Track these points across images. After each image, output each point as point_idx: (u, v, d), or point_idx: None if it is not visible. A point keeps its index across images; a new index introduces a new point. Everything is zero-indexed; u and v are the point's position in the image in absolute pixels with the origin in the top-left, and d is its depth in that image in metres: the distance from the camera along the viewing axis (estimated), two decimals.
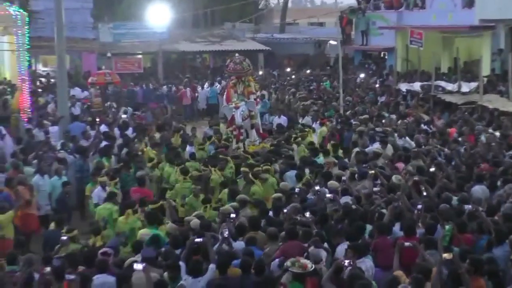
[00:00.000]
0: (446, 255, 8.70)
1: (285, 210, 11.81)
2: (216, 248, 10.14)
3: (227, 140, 17.90)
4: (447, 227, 10.68)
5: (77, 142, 17.77)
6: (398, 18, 32.90)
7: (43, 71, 34.24)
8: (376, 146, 17.31)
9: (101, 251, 9.81)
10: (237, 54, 19.21)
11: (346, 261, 8.96)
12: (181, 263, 9.48)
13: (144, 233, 11.32)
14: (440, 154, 16.01)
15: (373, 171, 14.08)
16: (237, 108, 17.22)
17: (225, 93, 19.12)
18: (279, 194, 13.16)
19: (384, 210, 11.84)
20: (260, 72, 36.74)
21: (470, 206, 11.43)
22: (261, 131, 18.59)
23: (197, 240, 9.93)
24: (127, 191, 14.62)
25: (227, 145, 17.38)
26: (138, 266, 8.36)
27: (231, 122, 17.63)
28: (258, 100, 18.90)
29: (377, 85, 28.83)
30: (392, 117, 21.60)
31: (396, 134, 18.40)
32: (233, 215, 11.43)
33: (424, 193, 12.74)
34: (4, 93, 24.17)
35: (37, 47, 27.77)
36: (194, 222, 11.22)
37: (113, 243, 11.15)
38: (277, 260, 9.74)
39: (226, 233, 10.28)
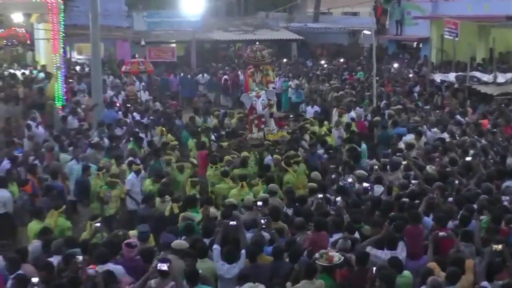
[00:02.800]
0: (496, 247, 8.62)
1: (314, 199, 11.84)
2: (253, 236, 10.19)
3: (243, 129, 18.15)
4: (482, 218, 10.56)
5: (112, 130, 17.91)
6: (433, 8, 32.53)
7: (78, 59, 34.55)
8: (410, 137, 17.20)
9: (126, 241, 9.83)
10: (257, 43, 19.08)
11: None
12: (215, 246, 9.54)
13: (187, 216, 11.55)
14: (475, 145, 15.80)
15: (405, 162, 14.01)
16: (258, 97, 17.00)
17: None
18: (313, 185, 13.14)
19: None
20: (293, 60, 36.71)
21: (508, 198, 11.30)
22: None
23: (232, 223, 9.98)
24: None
25: (243, 133, 17.63)
26: (163, 267, 8.41)
27: (251, 111, 17.43)
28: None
29: (410, 75, 28.55)
30: (427, 108, 21.42)
31: (425, 126, 18.22)
32: (260, 203, 11.45)
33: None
34: (38, 80, 24.49)
35: (72, 35, 28.03)
36: (212, 212, 11.37)
37: (145, 229, 11.21)
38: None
39: (263, 221, 10.29)
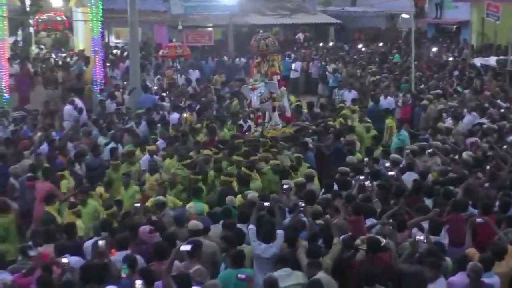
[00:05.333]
0: None
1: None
2: (290, 219, 10.21)
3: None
4: None
5: (151, 115, 17.99)
6: None
7: (116, 43, 34.82)
8: (448, 122, 17.00)
9: (143, 228, 9.91)
10: (261, 31, 18.39)
11: (422, 237, 8.83)
12: (251, 226, 9.57)
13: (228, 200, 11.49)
14: None
15: (431, 149, 13.81)
16: (253, 89, 15.94)
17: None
18: (345, 169, 13.06)
19: None
20: (330, 43, 36.47)
21: None
22: (288, 114, 17.27)
23: (266, 204, 10.09)
24: None
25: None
26: (185, 248, 8.43)
27: (251, 104, 16.44)
28: (282, 82, 17.36)
29: (450, 59, 28.14)
30: (466, 92, 21.13)
31: (465, 110, 17.97)
32: (286, 186, 11.42)
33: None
34: (72, 65, 24.77)
35: (110, 19, 28.22)
36: (252, 195, 11.30)
37: (180, 212, 11.29)
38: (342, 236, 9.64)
39: (301, 205, 10.28)
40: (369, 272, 8.01)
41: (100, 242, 8.82)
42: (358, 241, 8.94)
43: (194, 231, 9.61)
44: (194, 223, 9.82)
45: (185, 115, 18.13)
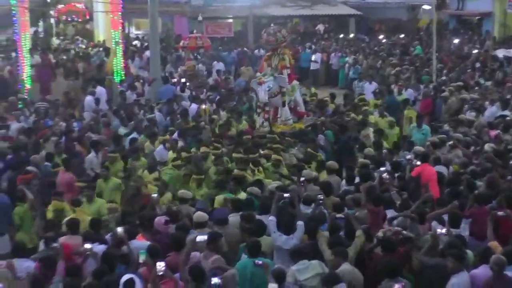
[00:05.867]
0: None
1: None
2: (312, 211, 10.20)
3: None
4: None
5: (171, 106, 18.00)
6: None
7: (136, 34, 34.89)
8: (469, 114, 16.86)
9: (158, 219, 9.94)
10: (272, 24, 18.24)
11: (443, 230, 8.78)
12: (271, 217, 9.54)
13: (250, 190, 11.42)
14: None
15: (451, 142, 13.69)
16: (260, 83, 15.78)
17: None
18: (365, 161, 12.99)
19: None
20: (351, 35, 36.29)
21: None
22: (301, 109, 16.99)
23: (286, 195, 10.04)
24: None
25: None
26: (201, 238, 8.43)
27: (259, 98, 16.21)
28: (293, 75, 17.15)
29: (474, 51, 27.87)
30: (488, 84, 20.93)
31: (486, 103, 17.81)
32: (302, 178, 11.40)
33: None
34: (92, 55, 24.87)
35: (130, 10, 28.25)
36: (272, 186, 11.31)
37: (202, 205, 11.28)
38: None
39: (320, 198, 10.28)
40: (389, 264, 7.99)
41: (119, 229, 8.96)
42: (380, 234, 8.89)
43: (199, 223, 9.61)
44: (199, 215, 9.79)
45: (203, 106, 18.09)
